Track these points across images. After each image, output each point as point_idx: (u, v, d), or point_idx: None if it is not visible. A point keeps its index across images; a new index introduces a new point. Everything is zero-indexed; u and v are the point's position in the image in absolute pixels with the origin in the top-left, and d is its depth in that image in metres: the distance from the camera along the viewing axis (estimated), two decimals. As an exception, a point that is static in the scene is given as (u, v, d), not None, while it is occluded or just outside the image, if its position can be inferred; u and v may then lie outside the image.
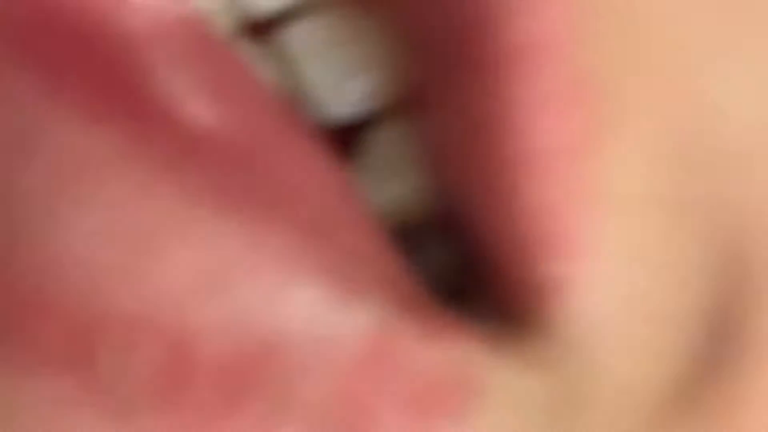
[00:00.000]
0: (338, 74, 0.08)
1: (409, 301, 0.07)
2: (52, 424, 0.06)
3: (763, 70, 0.08)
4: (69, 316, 0.06)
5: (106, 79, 0.06)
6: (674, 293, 0.07)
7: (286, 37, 0.08)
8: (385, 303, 0.07)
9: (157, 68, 0.06)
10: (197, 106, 0.07)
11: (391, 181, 0.08)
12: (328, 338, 0.07)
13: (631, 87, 0.07)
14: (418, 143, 0.08)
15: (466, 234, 0.08)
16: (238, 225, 0.06)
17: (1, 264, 0.06)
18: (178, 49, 0.07)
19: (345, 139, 0.09)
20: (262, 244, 0.06)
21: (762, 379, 0.08)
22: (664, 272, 0.07)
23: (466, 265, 0.08)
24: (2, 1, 0.06)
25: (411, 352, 0.07)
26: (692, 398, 0.08)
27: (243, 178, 0.07)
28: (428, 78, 0.08)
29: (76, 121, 0.06)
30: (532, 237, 0.07)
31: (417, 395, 0.07)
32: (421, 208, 0.08)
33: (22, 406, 0.06)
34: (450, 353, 0.07)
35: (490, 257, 0.08)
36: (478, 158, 0.07)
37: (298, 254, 0.07)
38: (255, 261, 0.06)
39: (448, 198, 0.08)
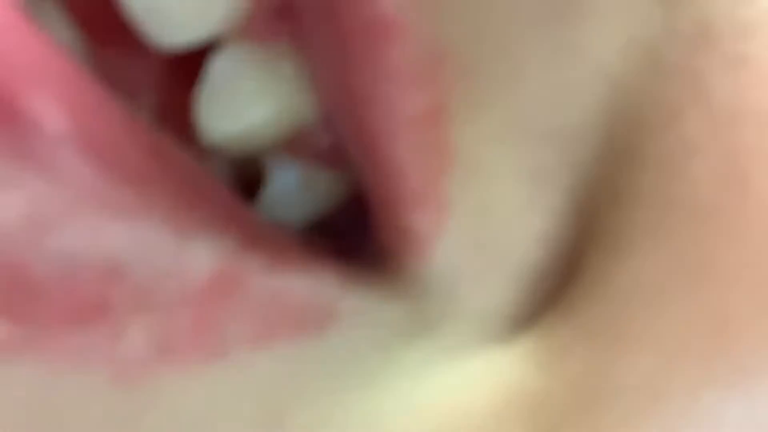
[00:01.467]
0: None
1: (254, 235, 0.08)
2: None
3: None
4: None
5: None
6: (518, 235, 0.08)
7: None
8: (227, 237, 0.07)
9: None
10: None
11: (236, 108, 0.08)
12: (171, 270, 0.07)
13: (491, 61, 0.08)
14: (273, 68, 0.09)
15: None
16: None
17: None
18: None
19: (190, 66, 0.09)
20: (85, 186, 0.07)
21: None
22: (509, 220, 0.08)
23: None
24: None
25: (256, 281, 0.07)
26: (534, 318, 0.08)
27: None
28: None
29: None
30: (393, 194, 0.08)
31: (265, 318, 0.08)
32: (269, 136, 0.09)
33: None
34: (298, 281, 0.08)
35: (365, 199, 0.08)
36: (350, 122, 0.08)
37: (122, 194, 0.07)
38: (73, 200, 0.07)
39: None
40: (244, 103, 0.08)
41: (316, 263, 0.08)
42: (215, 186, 0.08)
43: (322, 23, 0.08)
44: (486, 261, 0.08)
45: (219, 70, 0.08)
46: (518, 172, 0.08)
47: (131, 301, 0.07)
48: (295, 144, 0.09)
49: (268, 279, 0.08)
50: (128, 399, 0.07)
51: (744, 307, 0.08)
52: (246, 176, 0.10)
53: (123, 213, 0.07)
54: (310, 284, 0.08)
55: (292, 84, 0.08)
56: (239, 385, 0.08)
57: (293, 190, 0.09)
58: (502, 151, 0.08)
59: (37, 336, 0.07)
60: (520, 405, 0.08)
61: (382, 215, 0.08)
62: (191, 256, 0.07)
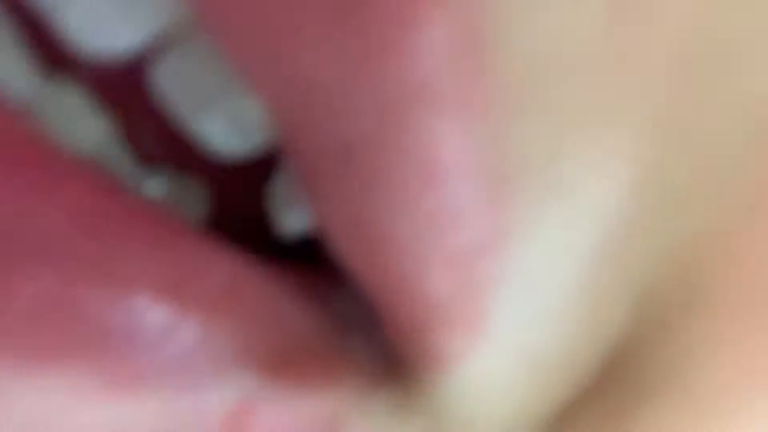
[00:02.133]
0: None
1: (274, 366, 0.07)
2: None
3: None
4: None
5: None
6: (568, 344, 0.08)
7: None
8: (245, 376, 0.07)
9: None
10: None
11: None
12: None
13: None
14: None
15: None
16: None
17: None
18: None
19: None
20: None
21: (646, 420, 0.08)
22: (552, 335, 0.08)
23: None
24: None
25: (275, 413, 0.07)
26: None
27: None
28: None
29: None
30: (417, 317, 0.07)
31: None
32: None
33: None
34: (317, 407, 0.07)
35: (377, 308, 0.08)
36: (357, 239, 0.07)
37: None
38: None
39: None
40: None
41: (334, 380, 0.08)
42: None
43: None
44: (517, 378, 0.08)
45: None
46: (568, 287, 0.08)
47: None
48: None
49: (286, 409, 0.07)
50: None
51: None
52: None
53: None
54: (327, 404, 0.08)
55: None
56: None
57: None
58: (555, 267, 0.07)
59: None
60: None
61: (397, 332, 0.08)
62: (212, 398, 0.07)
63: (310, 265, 0.08)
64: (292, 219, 0.09)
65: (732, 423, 0.08)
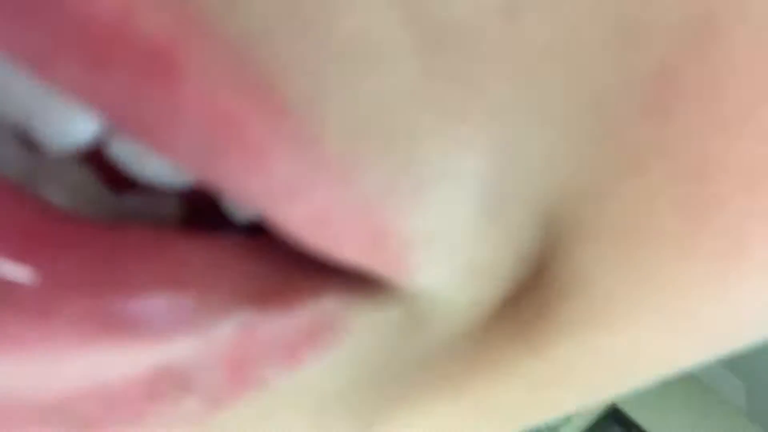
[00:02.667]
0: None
1: (266, 288, 0.09)
2: None
3: None
4: None
5: None
6: (491, 257, 0.10)
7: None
8: (243, 306, 0.09)
9: None
10: None
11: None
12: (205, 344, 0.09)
13: None
14: None
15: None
16: None
17: None
18: None
19: None
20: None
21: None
22: (482, 244, 0.10)
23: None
24: None
25: (274, 327, 0.09)
26: (509, 317, 0.10)
27: None
28: None
29: None
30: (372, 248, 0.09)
31: (289, 344, 0.09)
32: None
33: None
34: (310, 313, 0.09)
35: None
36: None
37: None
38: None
39: None
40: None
41: (323, 288, 0.09)
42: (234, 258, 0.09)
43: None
44: (458, 273, 0.10)
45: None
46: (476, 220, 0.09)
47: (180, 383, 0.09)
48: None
49: (285, 316, 0.09)
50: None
51: None
52: None
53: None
54: (323, 306, 0.09)
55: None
56: (288, 402, 0.10)
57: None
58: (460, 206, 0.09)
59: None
60: None
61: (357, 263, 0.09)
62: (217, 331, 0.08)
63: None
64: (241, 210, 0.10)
65: (620, 326, 0.10)
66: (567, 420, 1.85)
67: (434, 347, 0.10)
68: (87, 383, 0.08)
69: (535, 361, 0.11)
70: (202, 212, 0.10)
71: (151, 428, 0.09)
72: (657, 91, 0.08)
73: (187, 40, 0.06)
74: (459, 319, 0.10)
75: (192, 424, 0.09)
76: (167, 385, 0.08)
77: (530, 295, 0.10)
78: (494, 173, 0.09)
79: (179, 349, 0.08)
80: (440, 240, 0.09)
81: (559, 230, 0.09)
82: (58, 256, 0.07)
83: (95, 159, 0.10)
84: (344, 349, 0.10)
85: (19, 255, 0.07)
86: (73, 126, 0.08)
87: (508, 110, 0.08)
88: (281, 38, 0.07)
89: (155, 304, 0.08)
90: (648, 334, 0.11)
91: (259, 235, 0.09)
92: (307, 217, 0.08)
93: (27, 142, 0.09)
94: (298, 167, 0.07)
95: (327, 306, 0.09)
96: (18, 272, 0.07)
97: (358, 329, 0.10)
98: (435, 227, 0.09)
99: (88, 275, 0.07)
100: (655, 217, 0.09)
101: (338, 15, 0.07)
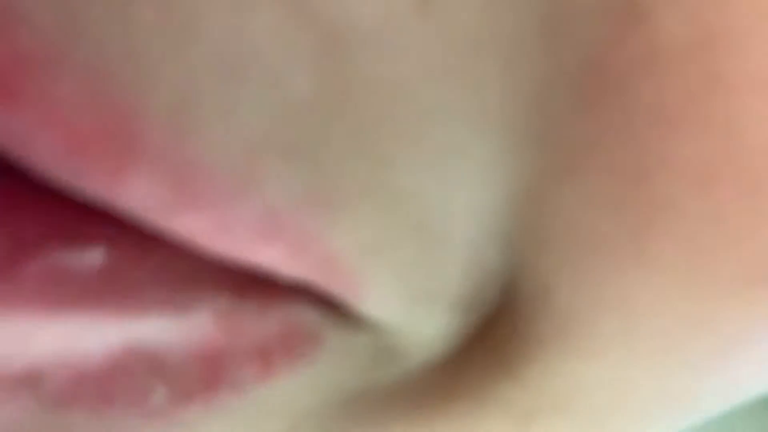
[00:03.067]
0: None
1: (244, 281, 0.09)
2: None
3: None
4: None
5: None
6: (446, 285, 0.09)
7: None
8: (220, 292, 0.09)
9: None
10: None
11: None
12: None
13: None
14: None
15: None
16: None
17: None
18: None
19: None
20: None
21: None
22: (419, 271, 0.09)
23: None
24: None
25: (251, 324, 0.09)
26: (485, 340, 0.10)
27: None
28: None
29: None
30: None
31: (264, 350, 0.09)
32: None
33: None
34: (286, 316, 0.09)
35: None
36: None
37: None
38: None
39: None
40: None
41: (299, 295, 0.09)
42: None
43: None
44: (416, 302, 0.09)
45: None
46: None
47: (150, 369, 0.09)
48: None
49: (259, 319, 0.09)
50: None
51: None
52: None
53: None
54: (298, 313, 0.09)
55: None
56: (254, 410, 0.09)
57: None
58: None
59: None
60: None
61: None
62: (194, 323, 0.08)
63: None
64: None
65: (589, 349, 0.10)
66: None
67: (410, 377, 0.10)
68: (56, 357, 0.08)
69: (514, 386, 0.10)
70: None
71: (117, 423, 0.09)
72: (585, 82, 0.08)
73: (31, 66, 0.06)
74: (432, 351, 0.10)
75: (159, 419, 0.09)
76: (137, 364, 0.08)
77: (502, 315, 0.10)
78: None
79: (151, 327, 0.08)
80: (379, 265, 0.09)
81: (521, 241, 0.09)
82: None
83: None
84: (319, 365, 0.10)
85: None
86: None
87: (438, 115, 0.08)
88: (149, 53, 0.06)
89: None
90: (627, 364, 0.10)
91: None
92: (201, 227, 0.08)
93: None
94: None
95: (303, 314, 0.09)
96: None
97: (333, 347, 0.10)
98: (368, 248, 0.08)
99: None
100: (595, 220, 0.09)
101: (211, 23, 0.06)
